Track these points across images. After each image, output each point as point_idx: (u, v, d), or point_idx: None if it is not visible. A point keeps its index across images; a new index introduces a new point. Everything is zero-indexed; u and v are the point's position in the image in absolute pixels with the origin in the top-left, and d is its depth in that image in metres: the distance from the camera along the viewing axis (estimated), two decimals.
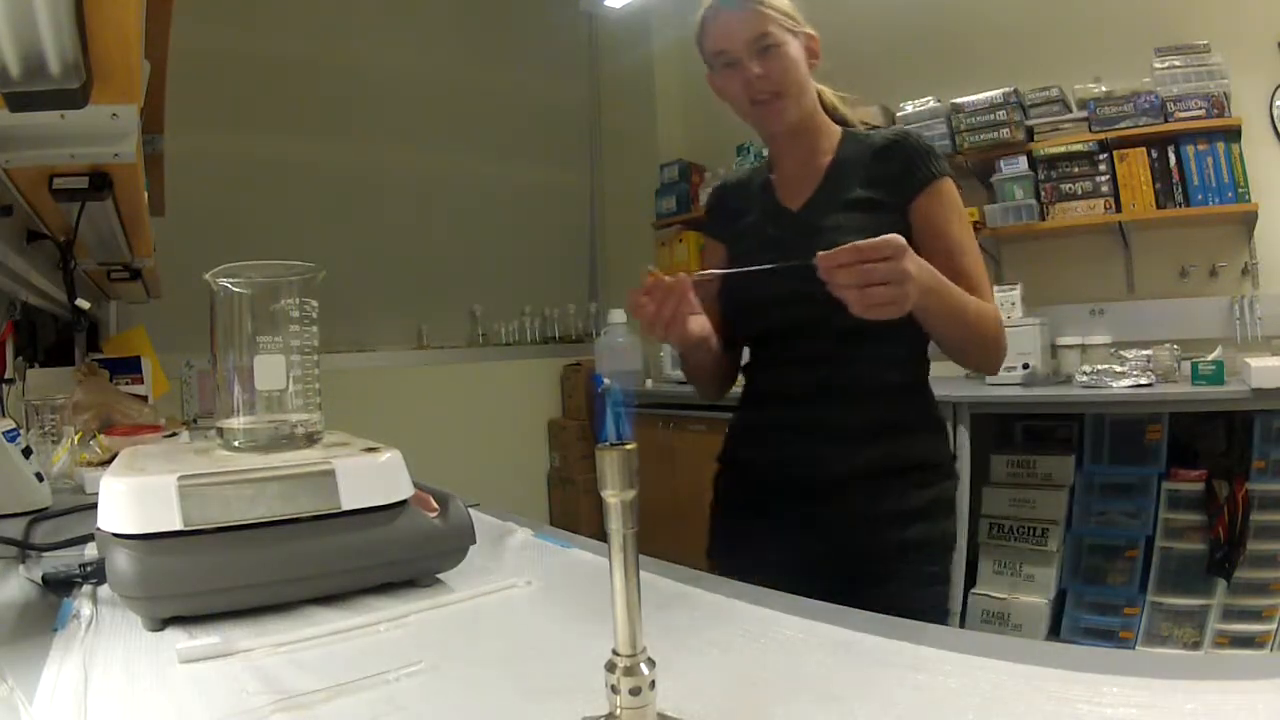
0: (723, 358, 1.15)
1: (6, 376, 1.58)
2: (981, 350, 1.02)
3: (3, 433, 1.00)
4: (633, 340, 3.40)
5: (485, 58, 4.00)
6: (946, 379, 2.62)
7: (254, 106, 3.34)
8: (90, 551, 0.76)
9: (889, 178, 1.05)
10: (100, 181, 1.12)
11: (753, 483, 1.13)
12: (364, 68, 3.65)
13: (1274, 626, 2.16)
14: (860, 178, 1.07)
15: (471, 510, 0.74)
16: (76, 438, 1.37)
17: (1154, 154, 2.62)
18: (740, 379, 1.20)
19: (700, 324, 0.99)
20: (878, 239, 0.77)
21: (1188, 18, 2.60)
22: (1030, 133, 2.84)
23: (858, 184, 1.07)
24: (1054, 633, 2.47)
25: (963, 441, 2.47)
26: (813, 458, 1.04)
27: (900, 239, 0.77)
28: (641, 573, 0.38)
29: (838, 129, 1.13)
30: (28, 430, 1.39)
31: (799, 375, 1.07)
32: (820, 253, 0.77)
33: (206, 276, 0.72)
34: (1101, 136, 2.67)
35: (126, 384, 1.91)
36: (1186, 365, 2.38)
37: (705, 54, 1.08)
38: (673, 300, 0.87)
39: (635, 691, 0.37)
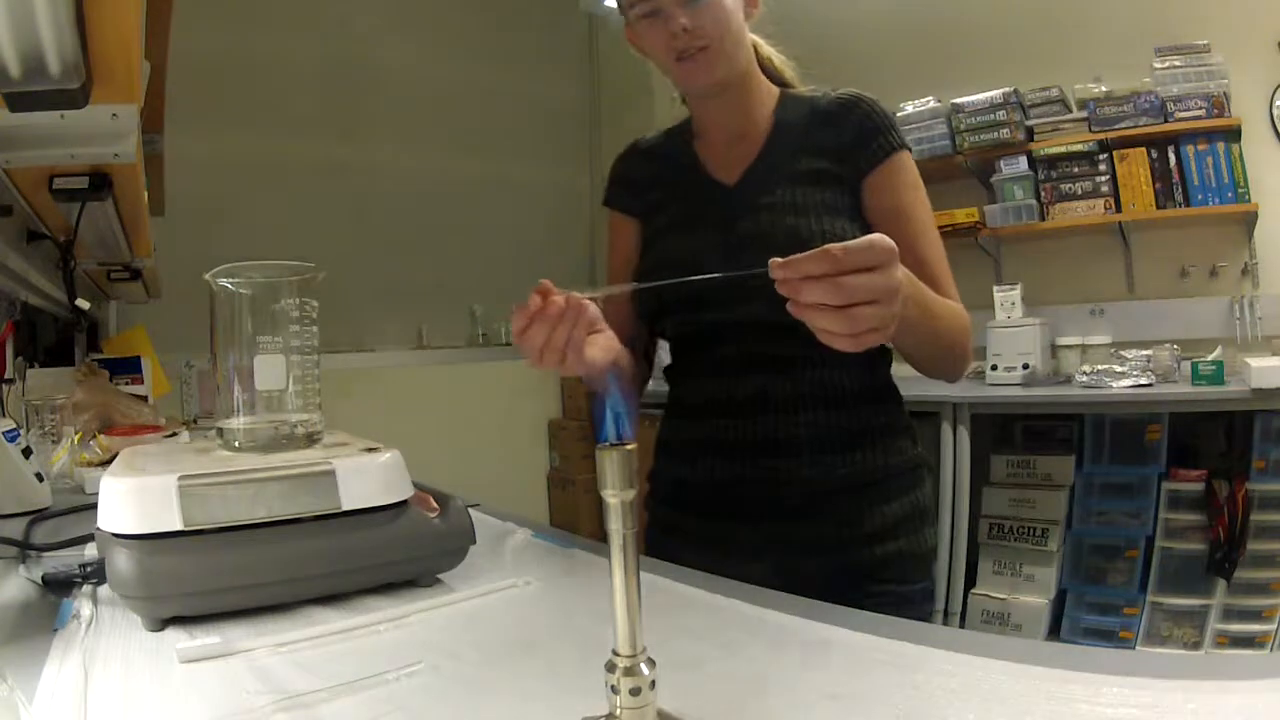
0: (634, 367, 0.97)
1: (6, 376, 1.58)
2: (950, 361, 0.89)
3: (3, 433, 1.00)
4: None
5: (485, 58, 4.00)
6: None
7: (254, 106, 3.34)
8: (90, 551, 0.76)
9: (840, 147, 0.91)
10: (100, 181, 1.12)
11: (693, 508, 0.97)
12: (364, 68, 3.65)
13: (1274, 626, 2.16)
14: (805, 146, 0.92)
15: (471, 510, 0.74)
16: (76, 438, 1.37)
17: (1154, 154, 2.62)
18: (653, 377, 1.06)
19: (605, 345, 0.80)
20: (863, 241, 0.56)
21: (1188, 18, 2.60)
22: (1030, 133, 2.84)
23: (803, 153, 0.92)
24: (1054, 633, 2.47)
25: (963, 441, 2.48)
26: (769, 478, 0.90)
27: (889, 241, 0.58)
28: (641, 573, 0.38)
29: (775, 89, 0.98)
30: (28, 430, 1.39)
31: (744, 382, 0.91)
32: (775, 260, 0.56)
33: (206, 276, 0.72)
34: (1101, 136, 2.67)
35: (126, 384, 1.91)
36: (1186, 365, 2.38)
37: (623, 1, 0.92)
38: (565, 326, 0.68)
39: (635, 691, 0.37)
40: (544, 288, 0.68)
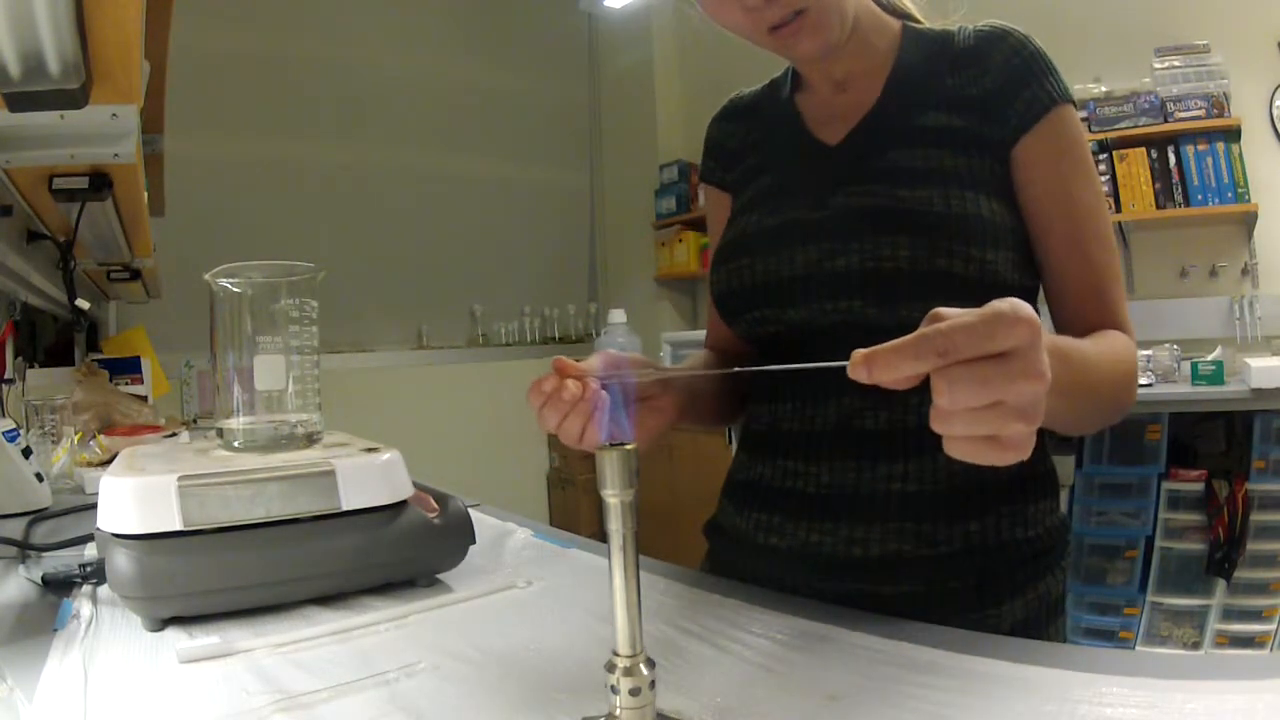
0: (721, 392, 0.79)
1: (6, 376, 1.58)
2: (1101, 421, 0.66)
3: (3, 433, 1.00)
4: (633, 341, 3.40)
5: (485, 58, 4.00)
6: None
7: (254, 106, 3.34)
8: (90, 551, 0.76)
9: (982, 98, 0.69)
10: (100, 181, 1.12)
11: (748, 576, 0.70)
12: (364, 68, 3.65)
13: (1274, 626, 2.16)
14: (934, 96, 0.70)
15: (471, 510, 0.74)
16: (76, 438, 1.37)
17: (1154, 154, 2.62)
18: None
19: (655, 423, 0.65)
20: (989, 312, 0.36)
21: (1188, 18, 2.60)
22: None
23: (931, 104, 0.70)
24: None
25: None
26: (840, 554, 0.67)
27: (1027, 313, 0.36)
28: (642, 573, 0.38)
29: (894, 23, 0.76)
30: (28, 430, 1.39)
31: (822, 409, 0.69)
32: (858, 353, 0.37)
33: (206, 276, 0.72)
34: (1101, 136, 2.67)
35: (126, 384, 1.91)
36: (1186, 365, 2.38)
37: None
38: (579, 416, 0.56)
39: (635, 692, 0.37)
40: (559, 366, 0.57)
